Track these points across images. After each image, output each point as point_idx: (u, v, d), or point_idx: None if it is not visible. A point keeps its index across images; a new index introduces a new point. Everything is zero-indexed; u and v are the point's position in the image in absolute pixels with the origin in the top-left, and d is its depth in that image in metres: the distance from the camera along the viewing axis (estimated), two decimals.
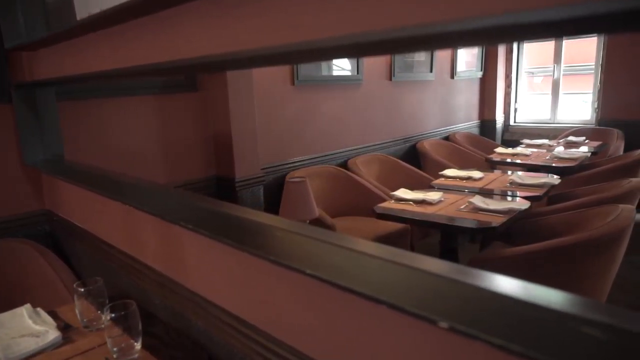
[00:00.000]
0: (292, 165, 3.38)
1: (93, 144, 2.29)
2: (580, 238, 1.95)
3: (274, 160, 3.24)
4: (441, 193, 2.75)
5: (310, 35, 0.61)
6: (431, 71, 4.79)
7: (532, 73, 5.95)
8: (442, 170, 3.44)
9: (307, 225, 1.01)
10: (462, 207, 2.49)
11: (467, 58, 5.54)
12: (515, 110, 6.03)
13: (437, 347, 0.61)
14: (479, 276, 0.66)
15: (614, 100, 4.92)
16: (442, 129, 5.16)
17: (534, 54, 5.89)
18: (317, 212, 2.58)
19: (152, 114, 2.51)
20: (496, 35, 0.51)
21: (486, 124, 5.96)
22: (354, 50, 0.67)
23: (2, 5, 1.74)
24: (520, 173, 3.39)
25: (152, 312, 1.42)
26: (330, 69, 3.71)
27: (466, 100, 5.64)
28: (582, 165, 3.72)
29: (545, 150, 4.27)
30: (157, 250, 1.35)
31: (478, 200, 2.48)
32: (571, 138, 4.70)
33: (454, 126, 5.39)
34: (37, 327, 1.32)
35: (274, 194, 3.08)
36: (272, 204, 2.94)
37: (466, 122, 5.68)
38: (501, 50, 5.76)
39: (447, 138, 5.16)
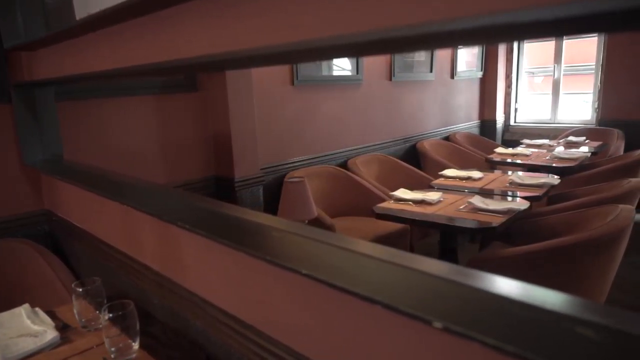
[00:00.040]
0: (291, 165, 3.38)
1: (93, 143, 2.29)
2: (579, 238, 1.95)
3: (273, 160, 3.24)
4: (440, 193, 2.75)
5: (310, 34, 0.61)
6: (431, 71, 4.78)
7: (533, 73, 5.94)
8: (442, 171, 3.44)
9: (304, 226, 1.01)
10: (461, 207, 2.49)
11: (468, 58, 5.54)
12: (516, 110, 6.03)
13: (431, 347, 0.61)
14: (475, 276, 0.66)
15: (614, 100, 4.92)
16: (442, 129, 5.16)
17: (534, 54, 5.88)
18: (316, 212, 2.58)
19: (152, 114, 2.51)
20: (496, 35, 0.50)
21: (486, 124, 5.96)
22: (354, 49, 0.67)
23: (1, 5, 1.74)
24: (520, 173, 3.39)
25: (151, 312, 1.42)
26: (330, 69, 3.71)
27: (466, 100, 5.64)
28: (582, 165, 3.72)
29: (545, 151, 4.26)
30: (155, 250, 1.35)
31: (477, 201, 2.47)
32: (571, 138, 4.70)
33: (454, 126, 5.39)
34: (36, 327, 1.33)
35: (274, 194, 3.08)
36: (272, 204, 2.94)
37: (466, 122, 5.67)
38: (501, 50, 5.76)
39: (447, 138, 5.16)
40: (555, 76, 5.51)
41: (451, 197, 2.72)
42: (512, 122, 6.04)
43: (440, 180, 3.25)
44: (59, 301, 1.63)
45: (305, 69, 3.40)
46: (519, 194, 2.81)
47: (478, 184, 3.07)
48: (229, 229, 1.06)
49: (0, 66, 1.87)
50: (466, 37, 0.51)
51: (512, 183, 3.03)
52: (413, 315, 0.59)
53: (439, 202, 2.61)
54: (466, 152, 4.77)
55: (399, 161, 4.07)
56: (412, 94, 4.62)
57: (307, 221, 2.50)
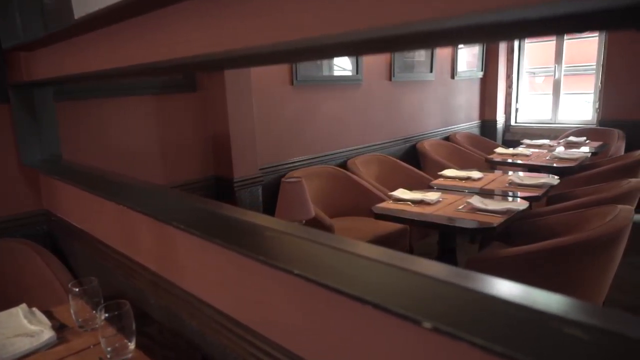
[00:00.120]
0: (291, 165, 3.38)
1: (93, 144, 2.30)
2: (578, 238, 1.95)
3: (273, 160, 3.24)
4: (439, 193, 2.75)
5: (309, 33, 0.61)
6: (431, 71, 4.78)
7: (534, 73, 5.93)
8: (441, 171, 3.43)
9: (298, 226, 1.01)
10: (460, 207, 2.49)
11: (468, 58, 5.54)
12: (517, 110, 6.02)
13: (421, 348, 0.61)
14: (466, 277, 0.66)
15: (615, 100, 4.91)
16: (443, 129, 5.16)
17: (535, 54, 5.88)
18: (314, 212, 2.58)
19: (152, 114, 2.52)
20: (496, 33, 0.50)
21: (487, 124, 5.95)
22: (354, 48, 0.67)
23: None
24: (521, 174, 3.39)
25: (147, 312, 1.42)
26: (330, 69, 3.71)
27: (467, 101, 5.63)
28: (582, 165, 3.71)
29: (545, 151, 4.26)
30: (151, 250, 1.35)
31: (476, 201, 2.47)
32: (572, 138, 4.69)
33: (454, 126, 5.38)
34: (32, 327, 1.33)
35: (273, 194, 3.08)
36: (271, 204, 2.94)
37: (467, 122, 5.67)
38: (502, 50, 5.75)
39: (447, 138, 5.16)
40: (556, 76, 5.50)
41: (450, 198, 2.71)
42: (512, 122, 6.04)
43: (439, 181, 3.24)
44: (57, 301, 1.63)
45: (305, 69, 3.40)
46: (518, 194, 2.81)
47: (477, 184, 3.07)
48: (224, 229, 1.06)
49: None
50: (466, 35, 0.51)
51: (511, 183, 3.02)
52: (403, 316, 0.59)
53: (438, 202, 2.61)
54: (466, 152, 4.77)
55: (398, 161, 4.06)
56: (412, 94, 4.62)
57: (304, 221, 2.50)
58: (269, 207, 2.97)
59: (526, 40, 5.81)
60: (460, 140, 5.10)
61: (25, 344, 1.24)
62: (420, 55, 4.65)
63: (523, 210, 2.40)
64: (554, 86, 5.55)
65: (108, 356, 1.17)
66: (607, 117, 4.97)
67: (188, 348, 1.23)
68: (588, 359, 0.49)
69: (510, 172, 3.43)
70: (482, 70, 5.76)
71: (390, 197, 2.76)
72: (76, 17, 1.22)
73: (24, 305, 1.45)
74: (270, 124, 3.22)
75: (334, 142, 3.77)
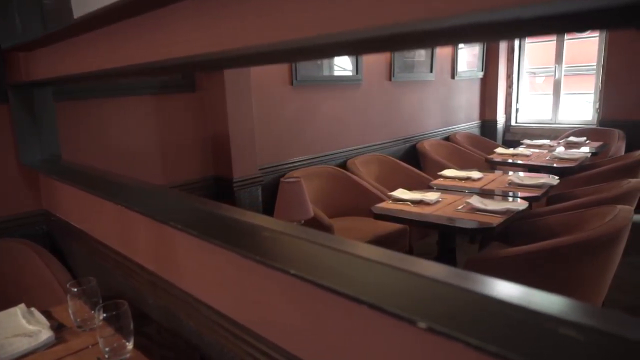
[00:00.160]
0: (291, 165, 3.38)
1: (92, 144, 2.30)
2: (577, 238, 1.94)
3: (273, 160, 3.24)
4: (439, 193, 2.75)
5: (308, 32, 0.61)
6: (431, 71, 4.78)
7: (534, 73, 5.93)
8: (441, 171, 3.43)
9: (296, 226, 1.01)
10: (459, 207, 2.49)
11: (468, 58, 5.53)
12: (517, 110, 6.01)
13: (417, 348, 0.61)
14: (461, 277, 0.66)
15: (616, 100, 4.90)
16: (443, 129, 5.15)
17: (535, 54, 5.87)
18: (312, 212, 2.58)
19: (151, 114, 2.52)
20: (495, 32, 0.50)
21: (487, 124, 5.95)
22: (353, 47, 0.67)
23: None
24: (521, 174, 3.39)
25: (146, 312, 1.42)
26: (330, 69, 3.71)
27: (467, 101, 5.63)
28: (582, 165, 3.71)
29: (545, 151, 4.25)
30: (150, 250, 1.35)
31: (475, 201, 2.47)
32: (572, 138, 4.69)
33: (454, 126, 5.38)
34: (31, 327, 1.33)
35: (273, 194, 3.08)
36: (271, 204, 2.94)
37: (467, 123, 5.67)
38: (502, 50, 5.75)
39: (447, 138, 5.15)
40: (556, 76, 5.50)
41: (450, 198, 2.71)
42: (513, 123, 6.03)
43: (439, 181, 3.24)
44: (56, 301, 1.63)
45: (305, 69, 3.40)
46: (518, 194, 2.81)
47: (477, 184, 3.07)
48: (222, 229, 1.06)
49: None
50: (466, 34, 0.51)
51: (511, 183, 3.02)
52: (398, 316, 0.59)
53: (437, 202, 2.61)
54: (466, 153, 4.77)
55: (398, 161, 4.06)
56: (412, 94, 4.62)
57: (303, 221, 2.50)
58: (269, 207, 2.97)
59: (526, 40, 5.81)
60: (460, 141, 5.10)
61: (23, 344, 1.24)
62: (420, 55, 4.64)
63: (522, 211, 2.40)
64: (554, 86, 5.55)
65: (106, 356, 1.17)
66: (608, 117, 4.97)
67: (186, 348, 1.23)
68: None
69: (510, 172, 3.42)
70: (482, 70, 5.76)
71: (390, 197, 2.76)
72: (75, 16, 1.22)
73: (22, 305, 1.45)
74: (270, 124, 3.22)
75: (334, 142, 3.77)
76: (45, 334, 1.29)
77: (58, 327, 1.36)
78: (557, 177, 3.06)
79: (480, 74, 5.76)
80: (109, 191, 1.55)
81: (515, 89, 5.93)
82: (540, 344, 0.51)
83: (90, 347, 1.27)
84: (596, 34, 5.08)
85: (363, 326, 0.71)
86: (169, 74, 2.52)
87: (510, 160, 4.05)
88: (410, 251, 3.18)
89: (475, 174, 3.26)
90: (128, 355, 1.19)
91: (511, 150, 4.33)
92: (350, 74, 3.86)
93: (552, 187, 2.90)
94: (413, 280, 0.70)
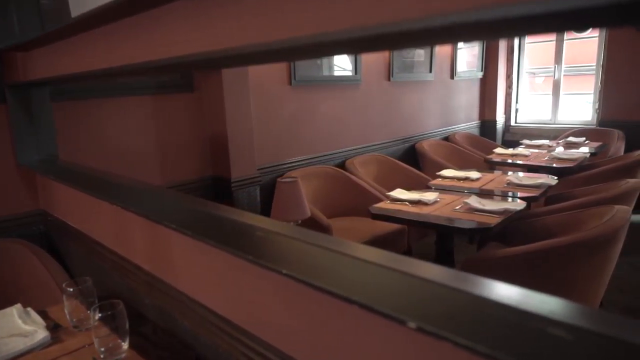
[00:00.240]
0: (289, 165, 3.38)
1: (91, 144, 2.30)
2: (575, 239, 1.94)
3: (271, 160, 3.24)
4: (437, 193, 2.75)
5: (306, 31, 0.61)
6: (430, 71, 4.78)
7: (534, 73, 5.93)
8: (440, 171, 3.43)
9: (290, 226, 1.01)
10: (457, 207, 2.49)
11: (468, 58, 5.53)
12: (516, 110, 6.01)
13: (408, 348, 0.61)
14: (457, 278, 0.66)
15: (615, 100, 4.90)
16: (442, 129, 5.15)
17: (535, 54, 5.87)
18: (309, 212, 2.58)
19: (150, 114, 2.52)
20: (496, 29, 0.50)
21: (487, 125, 5.95)
22: (351, 46, 0.67)
23: None
24: (520, 174, 3.39)
25: (142, 312, 1.42)
26: (329, 69, 3.71)
27: (466, 101, 5.63)
28: (581, 165, 3.71)
29: (545, 151, 4.25)
30: (146, 250, 1.35)
31: (473, 201, 2.47)
32: (571, 139, 4.69)
33: (454, 126, 5.38)
34: (26, 327, 1.33)
35: (272, 194, 3.08)
36: (269, 204, 2.94)
37: (466, 123, 5.67)
38: (502, 50, 5.75)
39: (446, 138, 5.15)
40: (556, 76, 5.50)
41: (448, 198, 2.71)
42: (512, 123, 6.03)
43: (437, 181, 3.24)
44: (53, 301, 1.63)
45: (303, 69, 3.40)
46: (517, 194, 2.81)
47: (476, 185, 3.06)
48: (218, 229, 1.06)
49: None
50: (465, 33, 0.51)
51: (509, 183, 3.02)
52: (388, 315, 0.59)
53: (435, 202, 2.61)
54: (465, 153, 4.76)
55: (397, 161, 4.06)
56: (411, 94, 4.62)
57: (300, 221, 2.50)
58: (267, 207, 2.97)
59: (526, 40, 5.81)
60: (459, 141, 5.10)
61: (19, 344, 1.24)
62: (420, 55, 4.64)
63: (520, 211, 2.40)
64: (553, 86, 5.55)
65: (102, 356, 1.17)
66: (607, 117, 4.97)
67: (182, 348, 1.23)
68: (572, 359, 0.48)
69: (509, 173, 3.42)
70: (482, 71, 5.76)
71: (388, 197, 2.76)
72: (73, 16, 1.22)
73: (18, 305, 1.45)
74: (269, 124, 3.22)
75: (333, 142, 3.77)
76: (41, 334, 1.29)
77: (54, 327, 1.36)
78: (555, 178, 3.06)
79: (480, 74, 5.75)
80: (106, 191, 1.55)
81: (514, 89, 5.92)
82: (530, 344, 0.51)
83: (86, 347, 1.26)
84: (596, 33, 5.08)
85: (355, 326, 0.71)
86: (167, 74, 2.52)
87: (509, 161, 4.05)
88: (408, 251, 3.18)
89: (474, 174, 3.26)
90: (123, 355, 1.19)
91: (510, 151, 4.33)
92: (349, 74, 3.86)
93: (550, 187, 2.90)
94: (405, 280, 0.70)
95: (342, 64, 3.83)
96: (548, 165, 3.73)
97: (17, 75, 1.85)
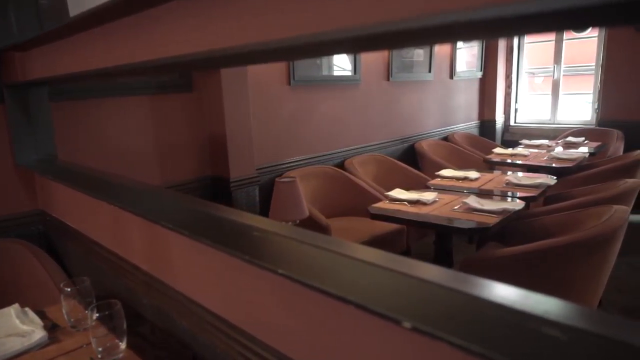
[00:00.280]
0: (288, 165, 3.38)
1: (90, 144, 2.30)
2: (573, 238, 1.94)
3: (270, 160, 3.24)
4: (436, 193, 2.75)
5: (305, 30, 0.60)
6: (430, 71, 4.78)
7: (533, 73, 5.93)
8: (440, 171, 3.43)
9: (287, 226, 1.01)
10: (456, 207, 2.49)
11: (467, 58, 5.53)
12: (516, 110, 6.01)
13: (404, 348, 0.61)
14: (453, 278, 0.66)
15: (614, 100, 4.90)
16: (441, 129, 5.15)
17: (534, 54, 5.87)
18: (307, 212, 2.58)
19: (148, 114, 2.52)
20: (495, 28, 0.50)
21: (486, 124, 5.95)
22: (350, 45, 0.67)
23: None
24: (520, 174, 3.39)
25: (140, 312, 1.42)
26: (328, 69, 3.71)
27: (466, 101, 5.63)
28: (580, 165, 3.71)
29: (544, 151, 4.25)
30: (144, 250, 1.35)
31: (472, 201, 2.47)
32: (570, 138, 4.69)
33: (453, 126, 5.38)
34: (24, 327, 1.33)
35: (271, 194, 3.08)
36: (268, 204, 2.94)
37: (466, 123, 5.67)
38: (501, 50, 5.75)
39: (446, 138, 5.15)
40: (555, 76, 5.50)
41: (447, 198, 2.71)
42: (512, 123, 6.03)
43: (436, 181, 3.24)
44: (51, 301, 1.63)
45: (302, 69, 3.40)
46: (516, 194, 2.81)
47: (475, 184, 3.06)
48: (215, 229, 1.06)
49: None
50: (464, 32, 0.51)
51: (508, 183, 3.02)
52: (383, 315, 0.59)
53: (434, 202, 2.61)
54: (465, 153, 4.76)
55: (396, 161, 4.06)
56: (411, 94, 4.62)
57: (298, 221, 2.50)
58: (266, 207, 2.97)
59: (525, 40, 5.81)
60: (458, 141, 5.10)
61: (16, 344, 1.24)
62: (419, 55, 4.64)
63: (519, 211, 2.40)
64: (553, 86, 5.55)
65: (99, 356, 1.17)
66: (607, 117, 4.97)
67: (179, 348, 1.23)
68: (566, 359, 0.48)
69: (509, 172, 3.42)
70: (481, 70, 5.76)
71: (387, 197, 2.76)
72: (71, 15, 1.22)
73: (16, 305, 1.45)
74: (268, 124, 3.22)
75: (332, 142, 3.77)
76: (39, 334, 1.29)
77: (52, 327, 1.36)
78: (554, 177, 3.06)
79: (479, 74, 5.76)
80: (104, 191, 1.55)
81: (514, 89, 5.93)
82: (526, 344, 0.51)
83: (83, 347, 1.27)
84: (595, 33, 5.08)
85: (352, 326, 0.71)
86: (166, 74, 2.52)
87: (508, 160, 4.05)
88: (407, 251, 3.18)
89: (473, 174, 3.26)
90: (121, 355, 1.19)
91: (509, 150, 4.33)
92: (348, 73, 3.86)
93: (549, 187, 2.90)
94: (403, 280, 0.70)
95: (341, 64, 3.83)
96: (547, 165, 3.73)
97: (15, 75, 1.85)
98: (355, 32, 0.54)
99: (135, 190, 1.56)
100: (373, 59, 4.08)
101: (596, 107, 5.13)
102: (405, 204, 2.60)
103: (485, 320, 0.55)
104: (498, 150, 4.41)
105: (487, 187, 3.02)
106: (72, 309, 1.33)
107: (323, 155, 3.67)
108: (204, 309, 1.10)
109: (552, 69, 5.52)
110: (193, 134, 2.72)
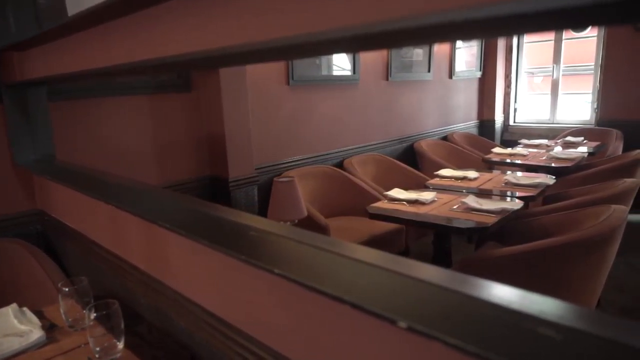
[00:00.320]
0: (287, 165, 3.38)
1: (89, 143, 2.30)
2: (571, 238, 1.94)
3: (269, 160, 3.24)
4: (434, 193, 2.75)
5: (304, 29, 0.60)
6: (429, 71, 4.78)
7: (532, 73, 5.93)
8: (439, 170, 3.43)
9: (284, 226, 1.01)
10: (454, 207, 2.49)
11: (467, 58, 5.53)
12: (515, 110, 6.02)
13: (401, 347, 0.61)
14: (447, 278, 0.66)
15: (614, 100, 4.91)
16: (441, 129, 5.15)
17: (533, 54, 5.87)
18: (306, 211, 2.58)
19: (147, 114, 2.52)
20: (494, 27, 0.50)
21: (485, 124, 5.95)
22: (349, 44, 0.66)
23: None
24: (519, 174, 3.39)
25: (138, 312, 1.42)
26: (327, 68, 3.71)
27: (465, 100, 5.63)
28: (579, 165, 3.71)
29: (543, 151, 4.25)
30: (141, 250, 1.35)
31: (471, 200, 2.47)
32: (569, 138, 4.69)
33: (452, 126, 5.38)
34: (22, 327, 1.33)
35: (269, 194, 3.08)
36: (267, 204, 2.94)
37: (465, 122, 5.67)
38: (501, 50, 5.75)
39: (445, 138, 5.15)
40: (554, 76, 5.50)
41: (445, 197, 2.71)
42: (511, 122, 6.04)
43: (435, 180, 3.24)
44: (49, 301, 1.63)
45: (301, 68, 3.39)
46: (514, 193, 2.81)
47: (474, 184, 3.07)
48: (213, 229, 1.06)
49: None
50: (465, 30, 0.51)
51: (507, 183, 3.02)
52: (379, 315, 0.59)
53: (432, 202, 2.61)
54: (464, 152, 4.77)
55: (395, 161, 4.06)
56: (410, 94, 4.62)
57: (296, 221, 2.50)
58: (265, 207, 2.97)
59: (525, 40, 5.81)
60: (458, 140, 5.10)
61: (14, 344, 1.24)
62: (418, 54, 4.64)
63: (517, 210, 2.40)
64: (552, 86, 5.55)
65: (97, 356, 1.17)
66: (606, 117, 4.97)
67: (177, 347, 1.23)
68: (562, 359, 0.48)
69: (508, 172, 3.42)
70: (480, 70, 5.76)
71: (386, 197, 2.76)
72: (70, 14, 1.22)
73: (14, 305, 1.45)
74: (266, 124, 3.22)
75: (331, 142, 3.77)
76: (37, 333, 1.29)
77: (50, 327, 1.36)
78: (553, 177, 3.06)
79: (479, 74, 5.76)
80: (103, 191, 1.55)
81: (513, 89, 5.93)
82: (522, 344, 0.51)
83: (81, 346, 1.26)
84: (594, 33, 5.08)
85: (348, 326, 0.71)
86: (165, 73, 2.51)
87: (507, 160, 4.05)
88: (406, 251, 3.18)
89: (472, 174, 3.26)
90: (119, 354, 1.19)
91: (509, 150, 4.34)
92: (347, 73, 3.86)
93: (548, 186, 2.90)
94: (400, 280, 0.70)
95: (340, 64, 3.83)
96: (546, 164, 3.73)
97: (13, 74, 1.84)
98: (354, 32, 0.54)
99: (133, 190, 1.55)
100: (372, 58, 4.08)
101: (595, 106, 5.13)
102: (404, 204, 2.60)
103: (481, 320, 0.55)
104: (497, 150, 4.41)
105: (486, 186, 3.02)
106: (69, 308, 1.33)
107: (322, 155, 3.67)
108: (201, 308, 1.09)
109: (551, 69, 5.52)
110: (192, 133, 2.72)
